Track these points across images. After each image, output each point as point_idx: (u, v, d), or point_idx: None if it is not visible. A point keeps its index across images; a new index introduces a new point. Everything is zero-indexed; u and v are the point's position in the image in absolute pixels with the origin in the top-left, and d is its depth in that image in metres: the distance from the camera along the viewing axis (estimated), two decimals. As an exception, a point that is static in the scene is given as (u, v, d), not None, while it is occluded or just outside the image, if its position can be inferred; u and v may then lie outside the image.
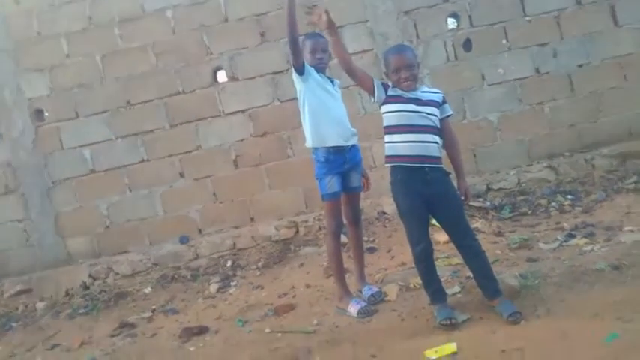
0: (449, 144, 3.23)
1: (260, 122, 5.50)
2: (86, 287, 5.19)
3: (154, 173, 5.50)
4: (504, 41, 5.49)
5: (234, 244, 5.32)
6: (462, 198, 3.22)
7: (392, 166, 3.18)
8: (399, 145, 3.12)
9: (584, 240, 3.94)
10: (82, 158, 5.52)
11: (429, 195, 3.11)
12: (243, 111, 5.51)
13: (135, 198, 5.52)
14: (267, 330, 3.64)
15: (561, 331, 2.76)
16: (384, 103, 3.17)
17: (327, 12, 3.15)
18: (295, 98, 3.74)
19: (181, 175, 5.52)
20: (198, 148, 5.52)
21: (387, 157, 3.18)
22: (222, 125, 5.50)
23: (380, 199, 5.21)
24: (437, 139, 3.14)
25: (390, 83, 3.18)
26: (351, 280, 3.87)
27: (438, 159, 3.14)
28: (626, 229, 3.98)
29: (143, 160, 5.52)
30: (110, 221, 5.53)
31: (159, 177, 5.50)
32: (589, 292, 3.15)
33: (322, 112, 3.53)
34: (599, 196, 4.82)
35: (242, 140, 5.51)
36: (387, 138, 3.17)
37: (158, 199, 5.52)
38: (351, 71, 3.20)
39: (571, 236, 4.07)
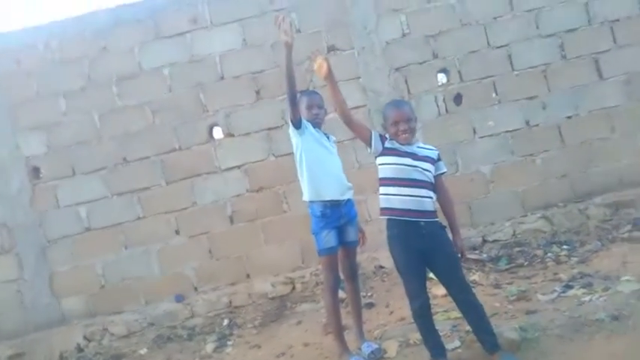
0: (443, 201, 3.27)
1: (256, 177, 5.54)
2: (80, 350, 5.07)
3: (150, 230, 5.48)
4: (494, 95, 5.62)
5: (231, 301, 5.26)
6: (458, 255, 3.23)
7: (388, 220, 3.20)
8: (394, 197, 3.15)
9: (582, 290, 3.92)
10: (77, 216, 5.51)
11: (425, 249, 3.13)
12: (239, 166, 5.56)
13: (131, 256, 5.48)
14: (265, 391, 3.57)
15: (564, 386, 2.72)
16: (381, 155, 3.22)
17: (326, 60, 3.23)
18: (291, 153, 3.80)
19: (177, 232, 5.51)
20: (194, 205, 5.53)
21: (382, 209, 3.22)
22: (218, 181, 5.54)
23: (377, 252, 5.19)
24: (431, 194, 3.18)
25: (387, 135, 3.24)
26: (350, 336, 3.82)
27: (432, 213, 3.17)
28: (623, 278, 3.96)
29: (139, 218, 5.51)
30: (105, 280, 5.47)
31: (155, 234, 5.48)
32: (590, 344, 3.13)
33: (318, 166, 3.59)
34: (595, 246, 4.83)
35: (238, 195, 5.54)
36: (382, 190, 3.21)
37: (154, 257, 5.48)
38: (348, 121, 3.24)
39: (569, 287, 4.06)
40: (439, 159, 3.27)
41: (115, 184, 5.54)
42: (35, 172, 5.57)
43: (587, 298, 3.76)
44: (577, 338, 3.21)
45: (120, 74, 5.62)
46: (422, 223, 3.12)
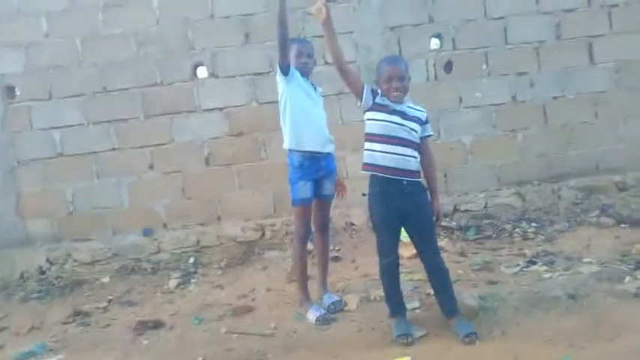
0: (427, 163, 3.26)
1: (236, 122, 5.46)
2: (42, 272, 5.07)
3: (124, 163, 5.40)
4: (484, 66, 5.59)
5: (199, 241, 5.27)
6: (434, 218, 3.25)
7: (371, 177, 3.20)
8: (379, 154, 3.13)
9: (544, 267, 4.02)
10: (51, 140, 5.38)
11: (404, 209, 3.14)
12: (220, 109, 5.46)
13: (102, 186, 5.40)
14: (224, 330, 3.61)
15: (514, 354, 2.80)
16: (370, 109, 3.19)
17: (326, 5, 3.17)
18: (274, 101, 3.75)
19: (151, 167, 5.44)
20: (171, 142, 5.44)
21: (365, 164, 3.20)
22: (197, 121, 5.44)
23: (349, 209, 5.23)
24: (416, 154, 3.16)
25: (378, 91, 3.20)
26: (313, 287, 3.86)
27: (416, 173, 3.17)
28: (585, 260, 4.07)
29: (114, 149, 5.42)
30: (74, 207, 5.40)
31: (128, 167, 5.41)
32: (544, 319, 3.22)
33: (302, 116, 3.55)
34: (563, 227, 4.93)
35: (216, 138, 5.47)
36: (367, 145, 3.19)
37: (125, 189, 5.42)
38: (342, 68, 3.20)
39: (532, 263, 4.15)
40: (427, 121, 3.26)
41: (92, 112, 5.41)
42: (10, 91, 5.39)
43: (547, 276, 3.85)
44: (533, 312, 3.30)
45: (107, 0, 5.40)
46: (405, 182, 3.12)
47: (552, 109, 5.62)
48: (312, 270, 3.98)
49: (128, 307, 4.32)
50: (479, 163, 5.61)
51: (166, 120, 5.44)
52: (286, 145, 3.61)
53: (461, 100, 5.59)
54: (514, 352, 2.83)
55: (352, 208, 5.22)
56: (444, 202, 5.28)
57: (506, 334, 3.09)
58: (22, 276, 5.04)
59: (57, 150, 5.39)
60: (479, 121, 5.60)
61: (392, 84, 3.13)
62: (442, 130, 5.57)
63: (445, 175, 5.54)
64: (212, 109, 5.46)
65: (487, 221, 5.18)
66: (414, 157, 3.15)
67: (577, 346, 2.81)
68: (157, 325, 3.82)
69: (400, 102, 3.17)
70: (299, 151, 3.56)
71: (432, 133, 3.30)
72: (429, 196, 3.24)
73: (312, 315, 3.53)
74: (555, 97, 5.63)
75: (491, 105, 5.60)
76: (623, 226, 4.79)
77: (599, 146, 5.62)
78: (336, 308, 3.65)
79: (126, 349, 3.52)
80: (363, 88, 3.18)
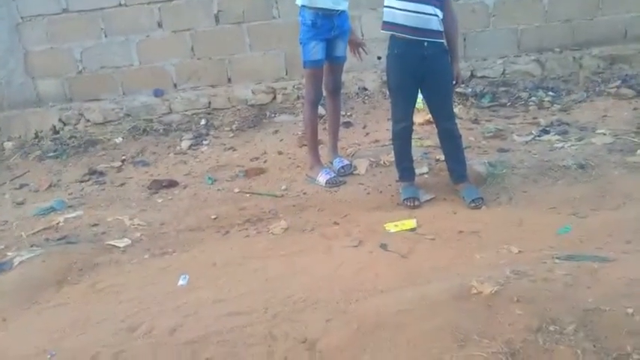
0: (448, 22, 3.08)
1: (247, -26, 5.16)
2: (56, 131, 5.11)
3: (131, 20, 5.19)
4: None
5: (210, 103, 5.22)
6: (453, 82, 3.16)
7: (390, 38, 3.08)
8: (398, 12, 2.98)
9: (557, 137, 3.99)
10: (53, -5, 5.16)
11: (423, 71, 3.05)
12: (229, -41, 5.14)
13: (110, 44, 5.25)
14: (236, 190, 3.72)
15: (519, 219, 2.87)
16: None
17: None
18: (287, -49, 3.50)
19: (159, 25, 5.24)
20: (179, -3, 5.20)
21: (385, 23, 3.07)
22: (206, -27, 5.15)
23: (362, 74, 5.11)
24: (438, 12, 2.99)
25: None
26: (324, 151, 3.89)
27: (437, 33, 3.02)
28: (599, 131, 4.02)
29: (120, 4, 5.18)
30: (83, 66, 5.30)
31: (136, 24, 5.21)
32: (552, 187, 3.26)
33: None
34: (580, 96, 4.81)
35: (226, -7, 5.20)
36: (387, 2, 3.04)
37: (134, 48, 5.26)
38: None
39: (545, 132, 4.12)
40: None
41: (95, -37, 5.12)
42: (5, -62, 5.08)
43: (559, 145, 3.83)
44: (541, 180, 3.33)
45: None
46: (425, 43, 3.00)
47: (584, -31, 5.23)
48: (323, 135, 3.99)
49: (142, 167, 4.42)
50: (500, 26, 5.32)
51: (173, -27, 5.15)
52: (299, 1, 3.43)
53: (487, -44, 5.20)
54: (518, 217, 2.89)
55: (365, 73, 5.10)
56: (461, 67, 5.08)
57: (513, 200, 3.15)
58: (36, 135, 5.10)
59: (61, 6, 5.17)
60: (504, -19, 5.24)
61: None
62: (464, -10, 5.24)
63: (464, 39, 5.29)
64: (221, -40, 5.14)
65: (503, 89, 5.06)
66: (436, 15, 2.98)
67: (581, 214, 2.86)
68: (171, 184, 3.94)
69: None
70: (312, 8, 3.38)
71: None
72: (449, 60, 3.12)
73: (322, 178, 3.59)
74: (589, -44, 5.21)
75: (519, -37, 5.21)
76: (642, 97, 4.67)
77: (629, 11, 5.28)
78: (346, 172, 3.70)
79: (141, 206, 3.65)
80: None
